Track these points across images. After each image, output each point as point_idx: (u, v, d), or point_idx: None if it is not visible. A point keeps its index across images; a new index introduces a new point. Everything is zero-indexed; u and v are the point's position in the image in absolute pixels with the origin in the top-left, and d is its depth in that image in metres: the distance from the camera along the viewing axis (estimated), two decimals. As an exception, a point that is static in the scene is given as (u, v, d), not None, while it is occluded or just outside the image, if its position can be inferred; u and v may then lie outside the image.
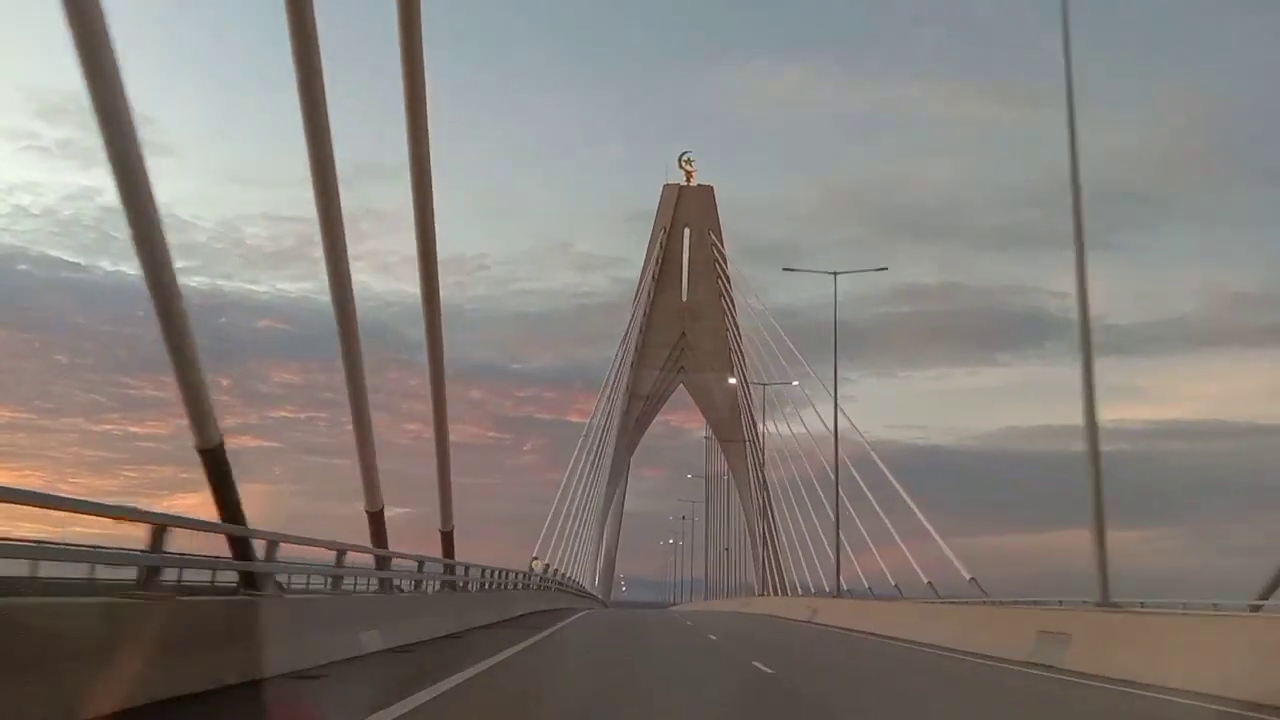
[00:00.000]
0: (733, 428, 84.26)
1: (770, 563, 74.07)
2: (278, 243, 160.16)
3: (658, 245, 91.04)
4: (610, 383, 76.50)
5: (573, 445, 65.49)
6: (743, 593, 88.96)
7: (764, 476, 77.67)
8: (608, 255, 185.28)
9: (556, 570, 52.59)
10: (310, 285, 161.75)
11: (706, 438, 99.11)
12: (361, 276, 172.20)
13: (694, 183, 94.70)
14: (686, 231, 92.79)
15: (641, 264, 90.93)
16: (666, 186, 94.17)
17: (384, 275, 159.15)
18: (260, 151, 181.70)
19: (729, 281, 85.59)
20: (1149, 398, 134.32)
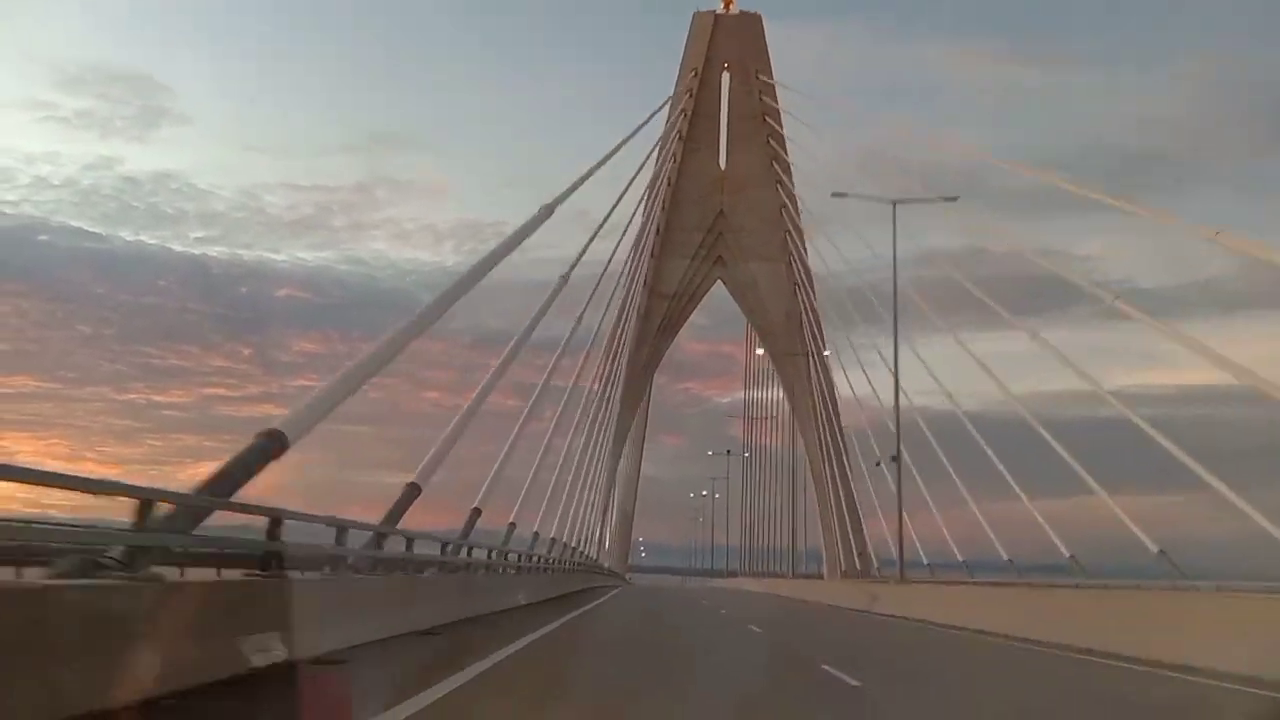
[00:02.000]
0: (790, 339, 62.05)
1: (849, 528, 52.82)
2: (296, 211, 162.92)
3: (686, 94, 67.22)
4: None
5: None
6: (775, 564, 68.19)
7: (836, 410, 55.74)
8: (626, 222, 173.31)
9: (554, 540, 33.93)
10: (330, 255, 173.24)
11: (753, 353, 76.90)
12: (378, 245, 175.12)
13: (734, 9, 70.34)
14: (725, 76, 68.82)
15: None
16: (698, 15, 69.67)
17: (401, 244, 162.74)
18: (278, 120, 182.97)
19: (781, 121, 62.06)
20: (1176, 362, 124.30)
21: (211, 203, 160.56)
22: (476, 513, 20.96)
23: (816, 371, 59.06)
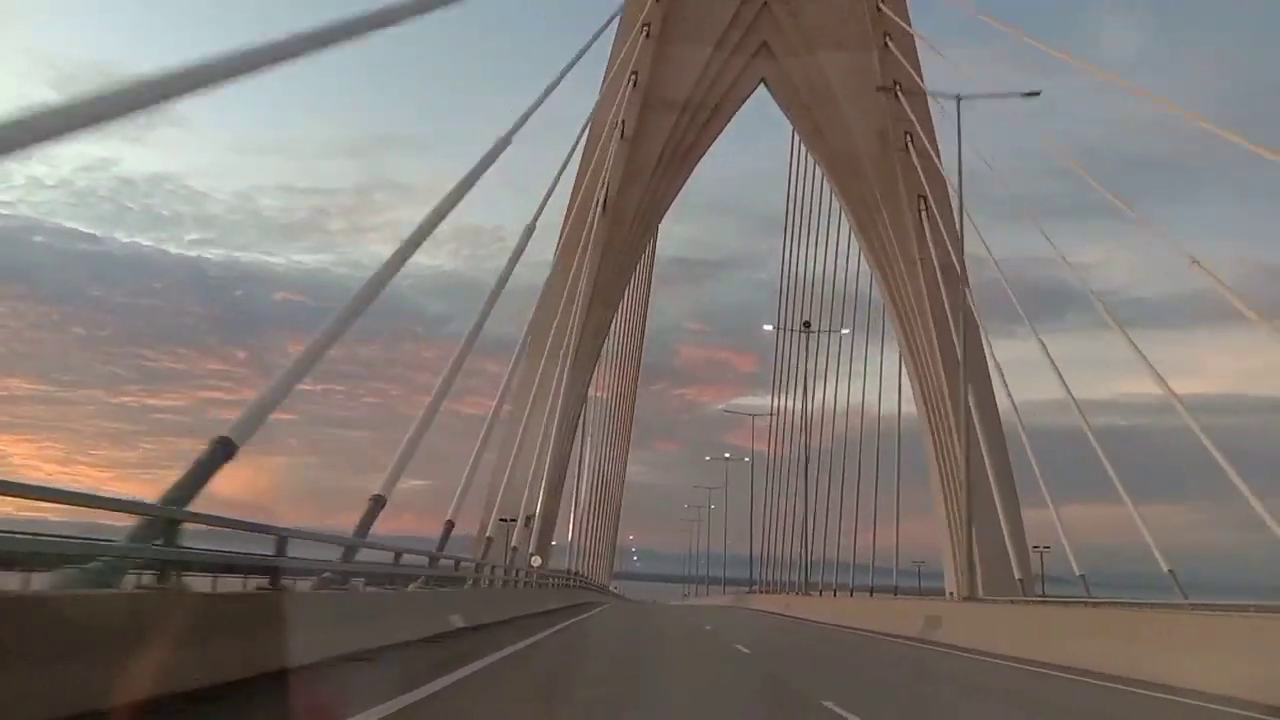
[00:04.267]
0: (884, 180, 37.53)
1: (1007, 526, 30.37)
2: (292, 215, 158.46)
3: None
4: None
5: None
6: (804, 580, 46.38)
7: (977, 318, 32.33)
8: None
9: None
10: (326, 258, 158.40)
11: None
12: (376, 248, 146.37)
13: None
14: None
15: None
16: None
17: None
18: (273, 122, 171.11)
19: None
20: (1171, 371, 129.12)
21: (207, 205, 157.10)
22: (450, 525, 19.67)
23: (930, 236, 34.74)
